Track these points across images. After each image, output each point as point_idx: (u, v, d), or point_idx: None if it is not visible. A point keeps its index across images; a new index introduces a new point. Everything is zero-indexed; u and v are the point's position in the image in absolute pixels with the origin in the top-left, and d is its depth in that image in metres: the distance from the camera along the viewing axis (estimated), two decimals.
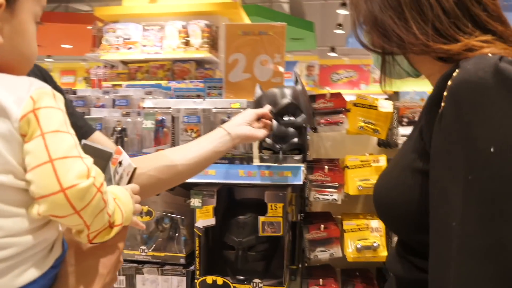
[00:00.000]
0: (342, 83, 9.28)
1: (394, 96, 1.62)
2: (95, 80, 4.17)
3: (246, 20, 4.64)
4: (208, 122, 1.54)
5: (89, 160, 0.58)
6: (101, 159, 0.71)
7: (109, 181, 0.72)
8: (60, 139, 0.55)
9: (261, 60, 1.88)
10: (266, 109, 1.32)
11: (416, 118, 1.52)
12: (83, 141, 0.68)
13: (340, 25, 9.74)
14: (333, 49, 10.21)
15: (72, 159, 0.55)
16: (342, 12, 8.98)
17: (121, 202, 0.65)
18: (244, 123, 1.21)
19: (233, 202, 1.65)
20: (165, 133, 1.53)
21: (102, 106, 1.71)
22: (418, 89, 1.62)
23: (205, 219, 1.49)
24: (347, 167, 1.53)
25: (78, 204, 0.55)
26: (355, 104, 1.58)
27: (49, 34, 7.20)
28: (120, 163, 0.82)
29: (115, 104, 1.71)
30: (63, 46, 8.93)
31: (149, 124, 1.51)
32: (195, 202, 1.50)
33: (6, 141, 0.53)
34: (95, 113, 1.57)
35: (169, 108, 1.56)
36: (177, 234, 1.59)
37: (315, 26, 7.89)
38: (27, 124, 0.54)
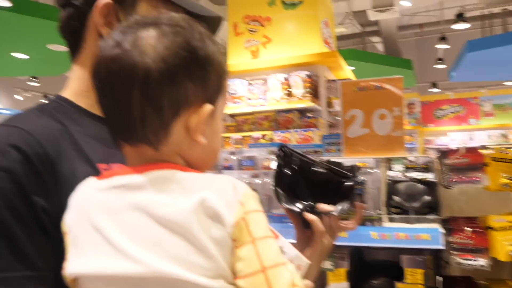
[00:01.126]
0: (448, 119, 8.64)
1: None
2: None
3: (344, 65, 4.68)
4: None
5: (291, 266, 0.60)
6: None
7: None
8: (269, 246, 0.58)
9: (379, 115, 1.87)
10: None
11: None
12: None
13: (440, 59, 9.29)
14: (434, 85, 9.71)
15: (281, 267, 0.57)
16: (442, 46, 8.60)
17: None
18: (302, 245, 0.89)
19: (363, 263, 1.60)
20: None
21: (230, 167, 1.83)
22: None
23: (337, 282, 1.46)
24: (492, 228, 1.39)
25: None
26: (494, 159, 1.47)
27: None
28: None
29: (241, 164, 1.82)
30: None
31: None
32: (326, 264, 1.48)
33: (219, 246, 0.56)
34: None
35: None
36: None
37: (413, 63, 7.62)
38: (239, 230, 0.56)
